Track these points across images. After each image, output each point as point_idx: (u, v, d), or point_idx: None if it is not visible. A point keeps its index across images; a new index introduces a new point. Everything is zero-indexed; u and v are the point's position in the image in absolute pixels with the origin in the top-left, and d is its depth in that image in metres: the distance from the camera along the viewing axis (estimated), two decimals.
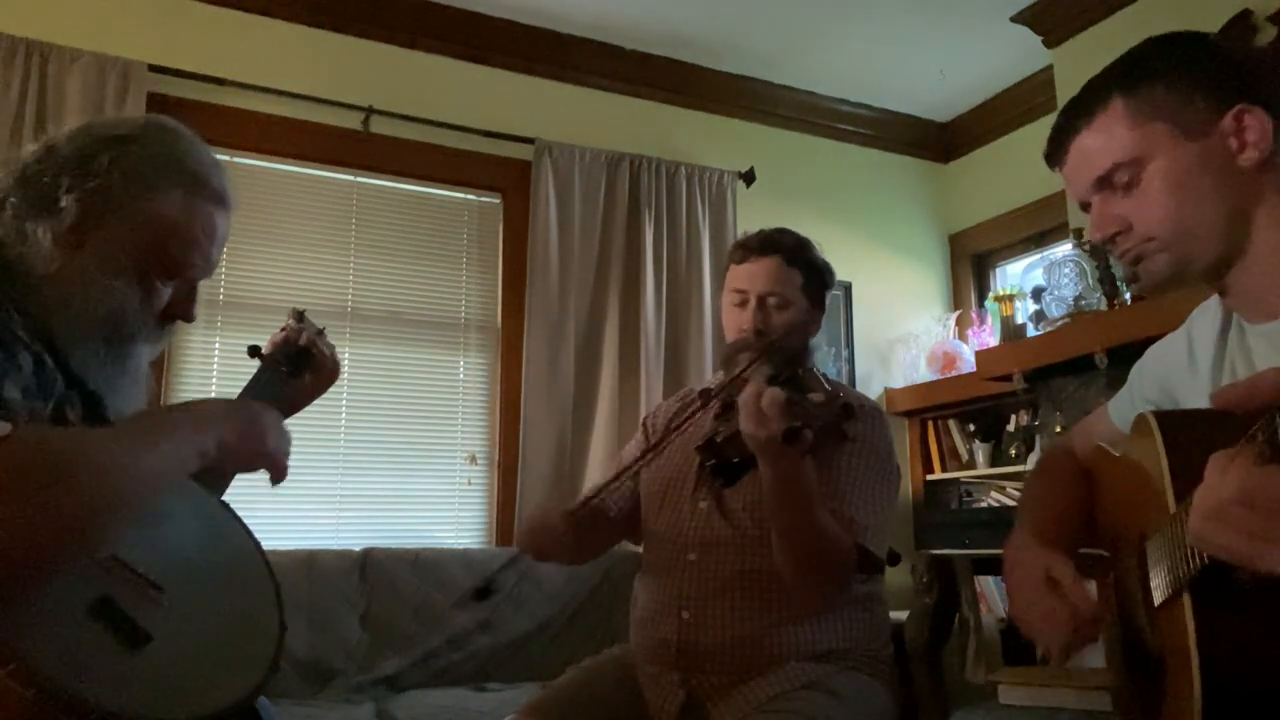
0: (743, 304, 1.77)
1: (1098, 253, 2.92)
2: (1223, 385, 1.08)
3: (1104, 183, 1.10)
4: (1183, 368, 1.17)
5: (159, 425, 1.09)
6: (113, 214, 1.11)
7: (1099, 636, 1.10)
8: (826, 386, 1.32)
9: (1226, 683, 0.85)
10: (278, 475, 1.23)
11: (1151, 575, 0.96)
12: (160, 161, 1.15)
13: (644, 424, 1.98)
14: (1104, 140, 1.09)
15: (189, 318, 1.21)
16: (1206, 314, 1.16)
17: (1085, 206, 1.15)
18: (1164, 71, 1.07)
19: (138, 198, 1.12)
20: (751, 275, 1.77)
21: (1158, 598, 0.95)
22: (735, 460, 1.39)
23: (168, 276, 1.16)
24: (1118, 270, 2.85)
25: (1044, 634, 1.08)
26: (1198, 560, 0.82)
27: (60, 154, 1.12)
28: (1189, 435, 0.94)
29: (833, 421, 1.28)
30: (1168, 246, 1.07)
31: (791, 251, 1.78)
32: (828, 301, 1.86)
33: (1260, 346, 1.05)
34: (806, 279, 1.78)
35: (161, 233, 1.14)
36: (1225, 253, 1.05)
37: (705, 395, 1.84)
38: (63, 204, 1.09)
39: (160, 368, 2.88)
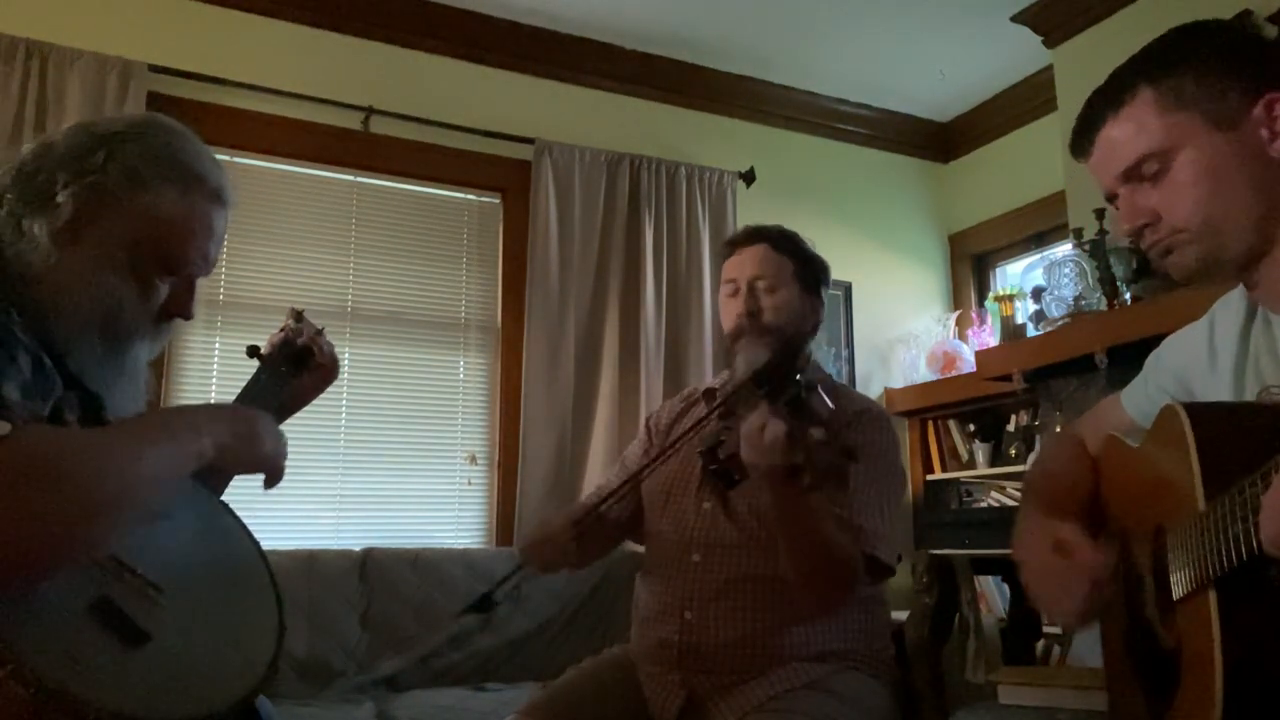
0: (735, 293, 1.80)
1: (1098, 253, 2.91)
2: (1246, 378, 1.07)
3: (1132, 174, 1.09)
4: (1202, 362, 1.16)
5: (157, 426, 1.08)
6: (108, 210, 1.11)
7: (1109, 598, 1.10)
8: (830, 406, 1.30)
9: (1249, 678, 0.84)
10: (273, 479, 1.23)
11: (1172, 570, 0.95)
12: (157, 158, 1.14)
13: (646, 424, 1.98)
14: (1132, 131, 1.08)
15: (187, 315, 1.21)
16: (1229, 306, 1.14)
17: (1112, 198, 1.13)
18: (1192, 60, 1.06)
19: (134, 194, 1.12)
20: (740, 263, 1.81)
21: (1178, 592, 0.94)
22: (737, 478, 1.39)
23: (165, 274, 1.16)
24: (1118, 270, 2.84)
25: (1059, 601, 1.08)
26: (1234, 559, 0.82)
27: (57, 151, 1.12)
28: (1220, 431, 0.93)
29: (833, 466, 1.23)
30: (1197, 239, 1.05)
31: (777, 239, 1.82)
32: (825, 296, 1.86)
33: None
34: (797, 266, 1.81)
35: (157, 229, 1.13)
36: (1256, 245, 1.04)
37: (709, 395, 1.85)
38: (59, 200, 1.08)
39: (160, 368, 2.87)
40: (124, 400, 1.16)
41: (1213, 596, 0.86)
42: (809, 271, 1.82)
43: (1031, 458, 3.30)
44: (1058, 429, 3.00)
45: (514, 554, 2.94)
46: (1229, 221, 1.03)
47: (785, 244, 1.82)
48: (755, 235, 1.83)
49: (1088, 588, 1.04)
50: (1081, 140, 1.15)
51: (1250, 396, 1.06)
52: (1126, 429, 1.24)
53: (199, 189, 1.17)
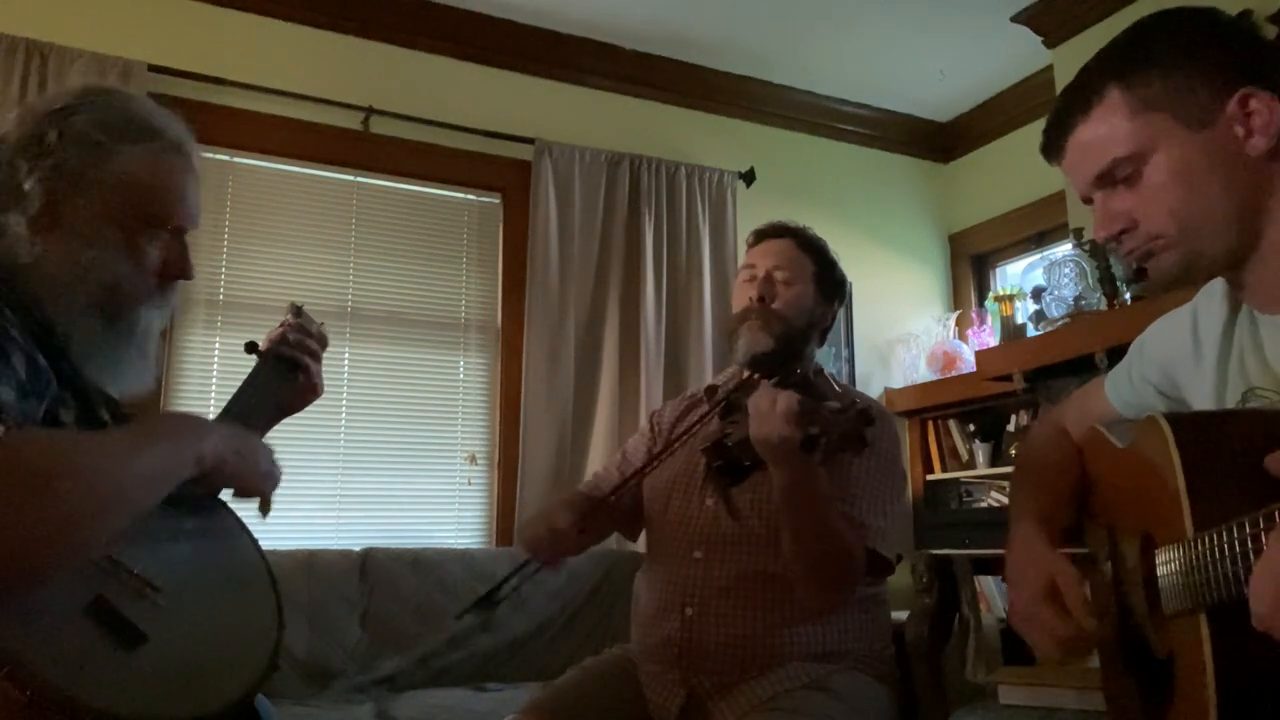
0: (751, 279, 1.81)
1: (1098, 253, 2.91)
2: (1230, 376, 1.06)
3: (1105, 178, 1.05)
4: (1186, 353, 1.13)
5: (154, 429, 1.08)
6: (79, 187, 1.10)
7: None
8: (837, 389, 1.30)
9: (1243, 691, 0.84)
10: (265, 506, 1.22)
11: (1162, 587, 0.94)
12: (109, 123, 1.13)
13: (650, 421, 1.98)
14: (1103, 134, 1.04)
15: (188, 274, 1.20)
16: (1212, 297, 1.11)
17: (1088, 201, 1.10)
18: (1161, 57, 1.02)
19: (99, 164, 1.11)
20: (763, 253, 1.83)
21: (1169, 609, 0.93)
22: (745, 464, 1.38)
23: (152, 233, 1.15)
24: (1118, 270, 2.84)
25: (1042, 643, 1.06)
26: (1222, 596, 0.81)
27: (9, 141, 1.10)
28: (1204, 447, 0.91)
29: (851, 429, 1.23)
30: (1176, 243, 1.01)
31: (805, 238, 1.85)
32: (837, 312, 1.88)
33: (1273, 338, 1.01)
34: (818, 268, 1.82)
35: (132, 192, 1.13)
36: (1237, 246, 1.00)
37: (711, 392, 1.85)
38: (26, 188, 1.08)
39: (160, 368, 2.86)
40: (133, 377, 1.16)
41: (1204, 620, 0.85)
42: (828, 277, 1.84)
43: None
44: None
45: (515, 553, 2.97)
46: (1207, 224, 1.00)
47: (811, 245, 1.85)
48: (783, 230, 1.86)
49: (1072, 645, 1.03)
50: (1052, 143, 1.11)
51: (1233, 394, 1.04)
52: (1109, 420, 1.22)
53: (159, 141, 1.16)
